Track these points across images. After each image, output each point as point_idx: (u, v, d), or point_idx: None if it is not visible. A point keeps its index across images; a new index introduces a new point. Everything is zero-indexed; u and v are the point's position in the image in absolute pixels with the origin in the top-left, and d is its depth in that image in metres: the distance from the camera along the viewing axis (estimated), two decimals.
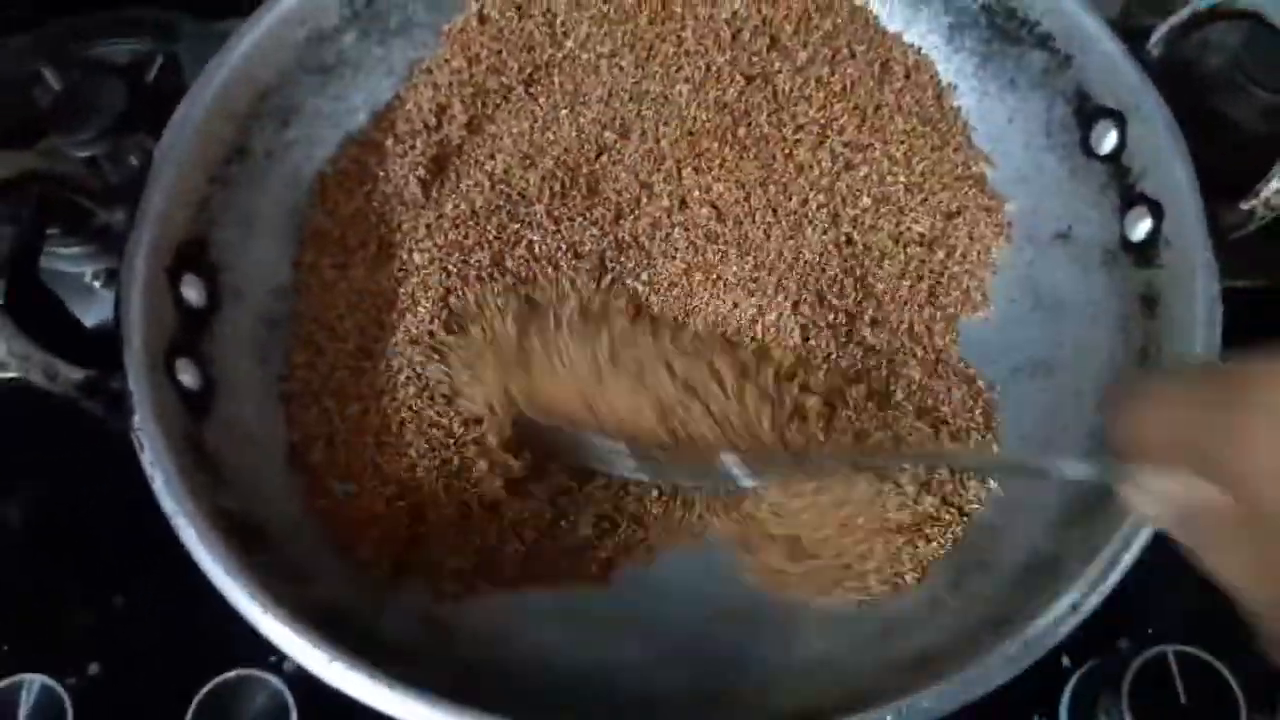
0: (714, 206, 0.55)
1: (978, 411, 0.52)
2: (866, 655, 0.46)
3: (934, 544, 0.49)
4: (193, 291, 0.50)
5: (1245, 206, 0.46)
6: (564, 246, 0.55)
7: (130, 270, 0.47)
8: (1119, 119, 0.51)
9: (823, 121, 0.57)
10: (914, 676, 0.40)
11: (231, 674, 0.50)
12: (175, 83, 0.66)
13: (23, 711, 0.50)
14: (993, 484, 0.50)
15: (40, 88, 0.66)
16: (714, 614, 0.49)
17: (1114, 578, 0.40)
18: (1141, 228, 0.50)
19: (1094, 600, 0.40)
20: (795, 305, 0.53)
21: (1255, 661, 0.47)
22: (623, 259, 0.55)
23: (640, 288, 0.55)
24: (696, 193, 0.56)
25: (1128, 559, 0.40)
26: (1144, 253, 0.50)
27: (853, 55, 0.58)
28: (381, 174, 0.56)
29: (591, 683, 0.46)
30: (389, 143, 0.57)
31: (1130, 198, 0.51)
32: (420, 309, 0.52)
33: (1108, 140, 0.52)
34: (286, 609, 0.41)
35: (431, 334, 0.52)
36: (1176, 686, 0.47)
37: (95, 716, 0.51)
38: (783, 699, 0.44)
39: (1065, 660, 0.53)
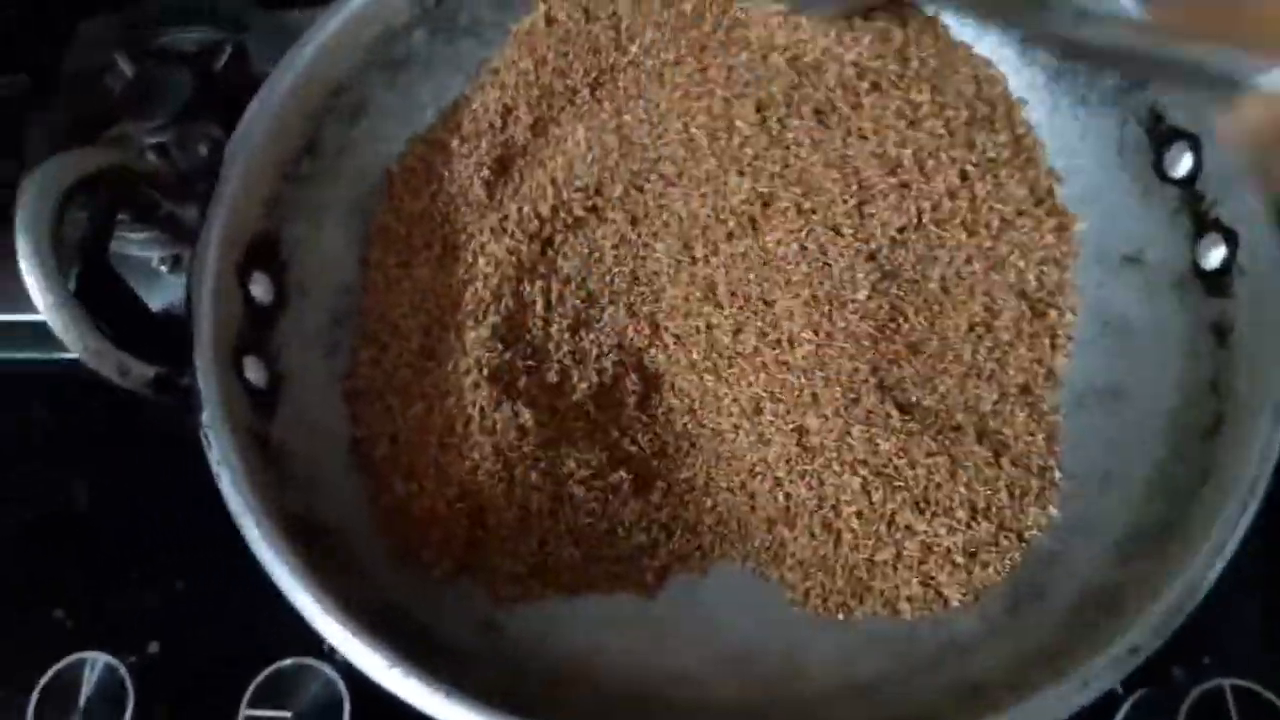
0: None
1: (1040, 437, 0.51)
2: (919, 680, 0.45)
3: (990, 569, 0.48)
4: (261, 289, 0.51)
5: None
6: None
7: (200, 268, 0.48)
8: (1194, 142, 0.50)
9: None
10: (966, 707, 0.40)
11: (287, 662, 0.50)
12: (243, 71, 0.67)
13: (85, 688, 0.52)
14: (1053, 510, 0.50)
15: (113, 75, 0.67)
16: (765, 626, 0.49)
17: (1177, 621, 0.40)
18: (1215, 255, 0.49)
19: (1155, 643, 0.39)
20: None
21: None
22: None
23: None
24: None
25: (1192, 603, 0.40)
26: (1217, 281, 0.49)
27: (923, 66, 0.57)
28: (447, 174, 0.57)
29: (641, 690, 0.47)
30: (455, 143, 0.57)
31: (1204, 224, 0.50)
32: (485, 315, 0.53)
33: (1182, 164, 0.51)
34: (345, 611, 0.42)
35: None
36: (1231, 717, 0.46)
37: (155, 695, 0.52)
38: (833, 717, 0.44)
39: (1118, 687, 0.52)
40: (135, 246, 0.64)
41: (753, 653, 0.48)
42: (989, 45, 0.58)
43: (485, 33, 0.59)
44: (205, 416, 0.45)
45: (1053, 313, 0.54)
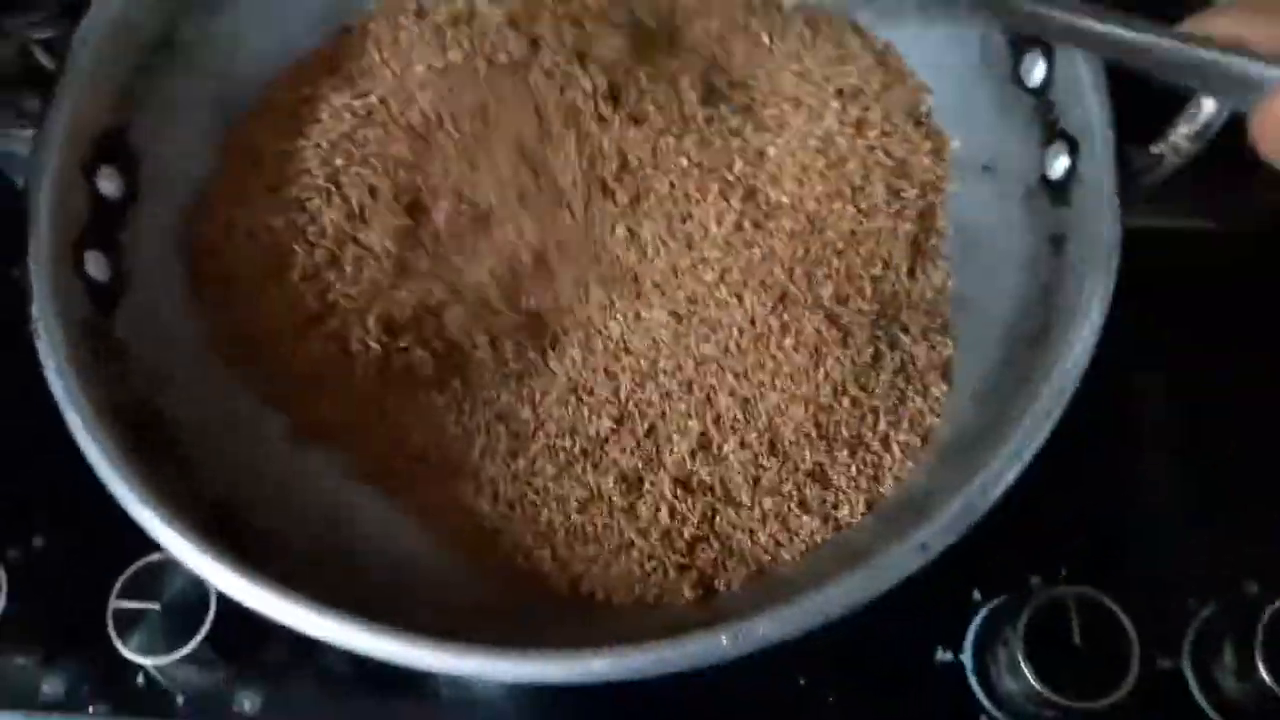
0: None
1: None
2: None
3: None
4: (110, 184, 0.51)
5: (1155, 150, 0.45)
6: None
7: (42, 162, 0.47)
8: (1047, 50, 0.49)
9: None
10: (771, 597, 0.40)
11: (154, 557, 0.52)
12: None
13: None
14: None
15: None
16: None
17: (969, 520, 0.40)
18: (1060, 165, 0.48)
19: (945, 541, 0.39)
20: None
21: (1164, 605, 0.51)
22: None
23: None
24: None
25: (984, 505, 0.40)
26: (1060, 191, 0.48)
27: None
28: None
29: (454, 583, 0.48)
30: None
31: (1051, 133, 0.49)
32: None
33: (1037, 72, 0.50)
34: (173, 505, 0.42)
35: None
36: (1072, 628, 0.48)
37: (31, 590, 0.53)
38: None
39: (976, 594, 0.54)
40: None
41: None
42: None
43: None
44: (35, 309, 0.45)
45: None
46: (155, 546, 0.49)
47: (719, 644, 0.37)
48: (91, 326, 0.47)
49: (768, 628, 0.38)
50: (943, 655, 0.53)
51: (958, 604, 0.53)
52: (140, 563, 0.52)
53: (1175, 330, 0.58)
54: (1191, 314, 0.58)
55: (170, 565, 0.52)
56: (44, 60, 0.62)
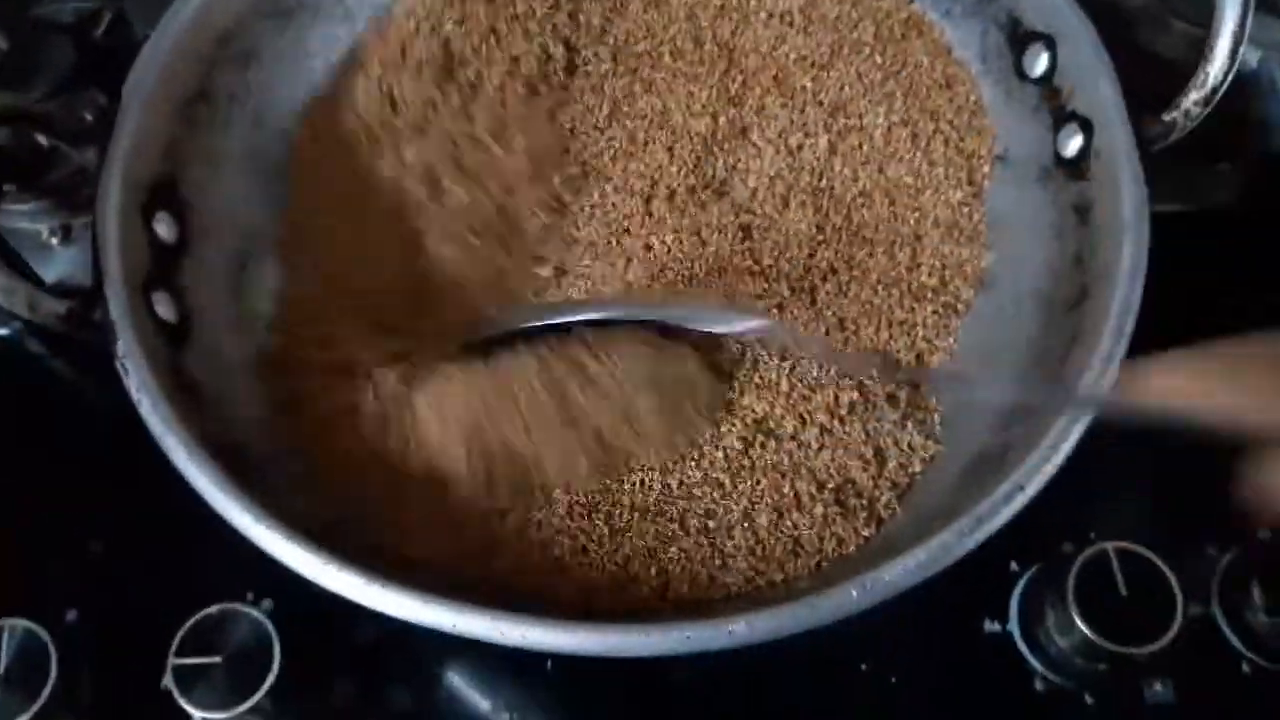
0: None
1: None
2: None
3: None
4: (165, 228, 0.52)
5: (1167, 118, 0.49)
6: None
7: (104, 206, 0.48)
8: (1049, 42, 0.53)
9: None
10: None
11: (212, 609, 0.50)
12: (124, 39, 0.66)
13: (6, 654, 0.51)
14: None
15: None
16: None
17: (1057, 459, 0.42)
18: (1073, 144, 0.52)
19: (1039, 481, 0.42)
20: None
21: (1189, 555, 0.51)
22: None
23: None
24: None
25: (1068, 445, 0.43)
26: (1076, 167, 0.52)
27: None
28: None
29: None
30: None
31: (1062, 116, 0.53)
32: None
33: (1039, 63, 0.54)
34: (278, 520, 0.42)
35: None
36: (1117, 580, 0.49)
37: (80, 656, 0.51)
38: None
39: (1013, 565, 0.55)
40: (23, 219, 0.63)
41: None
42: None
43: None
44: (120, 346, 0.45)
45: None
46: (209, 600, 0.50)
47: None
48: (169, 364, 0.47)
49: (892, 576, 0.40)
50: (991, 626, 0.54)
51: (998, 577, 0.55)
52: (196, 617, 0.50)
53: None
54: (1171, 296, 0.59)
55: (228, 615, 0.50)
56: (39, 136, 0.62)
